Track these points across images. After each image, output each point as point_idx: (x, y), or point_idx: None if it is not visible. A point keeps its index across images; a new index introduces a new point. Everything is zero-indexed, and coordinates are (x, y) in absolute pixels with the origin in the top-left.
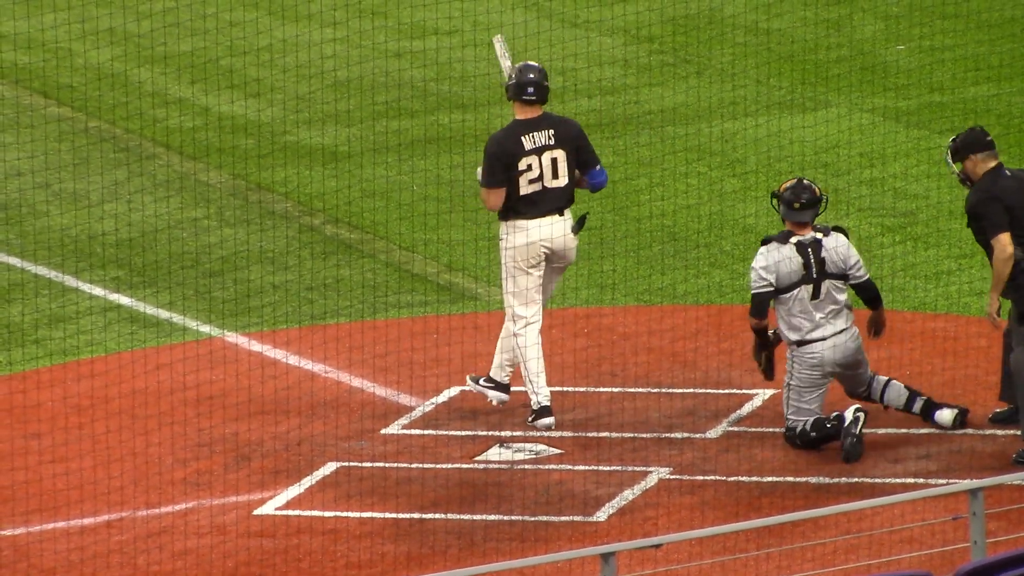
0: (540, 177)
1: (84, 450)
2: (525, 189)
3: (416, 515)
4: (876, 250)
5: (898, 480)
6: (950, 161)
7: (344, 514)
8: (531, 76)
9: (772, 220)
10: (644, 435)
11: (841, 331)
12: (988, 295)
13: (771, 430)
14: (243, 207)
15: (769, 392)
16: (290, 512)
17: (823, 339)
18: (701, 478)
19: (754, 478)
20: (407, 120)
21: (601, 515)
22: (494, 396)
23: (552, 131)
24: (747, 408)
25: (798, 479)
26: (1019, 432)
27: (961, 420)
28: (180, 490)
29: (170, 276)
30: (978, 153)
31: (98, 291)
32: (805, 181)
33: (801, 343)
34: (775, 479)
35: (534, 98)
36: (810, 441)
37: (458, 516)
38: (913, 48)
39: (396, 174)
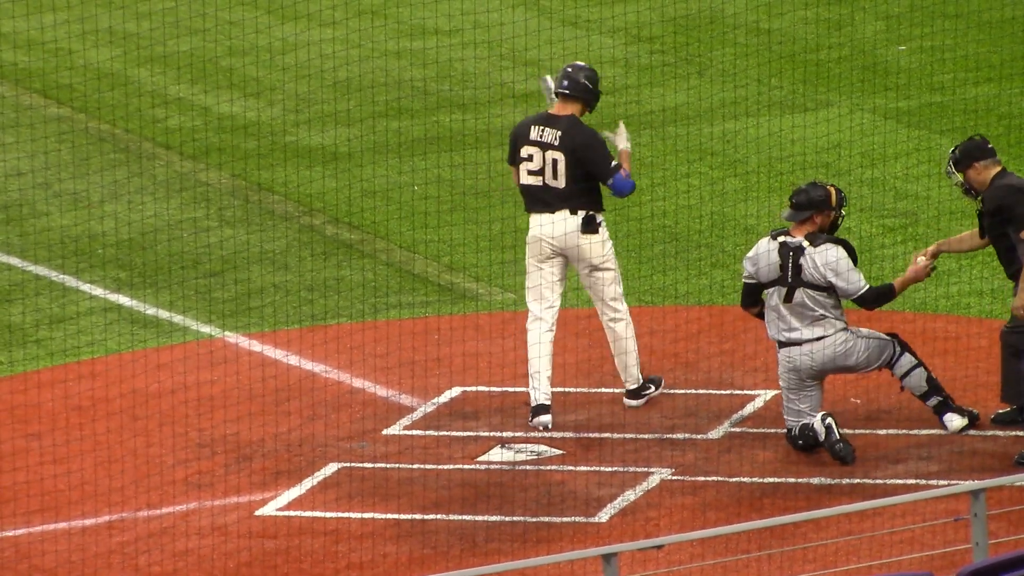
0: (541, 172)
1: (85, 450)
2: (525, 179)
3: (417, 516)
4: (877, 250)
5: (899, 481)
6: (952, 171)
7: (345, 515)
8: (568, 70)
9: (773, 220)
10: (645, 436)
11: (819, 339)
12: (1013, 295)
13: (772, 431)
14: (243, 207)
15: (771, 393)
16: (291, 513)
17: (799, 344)
18: (703, 479)
19: (756, 479)
20: (407, 120)
21: (603, 516)
22: (654, 394)
23: (560, 133)
24: (748, 409)
25: (799, 480)
26: (1021, 433)
27: (969, 428)
28: (181, 490)
29: (170, 276)
30: (981, 160)
31: (98, 291)
32: (813, 182)
33: (779, 344)
34: (776, 480)
35: (566, 91)
36: (800, 447)
37: (460, 517)
38: (914, 48)
39: (396, 174)
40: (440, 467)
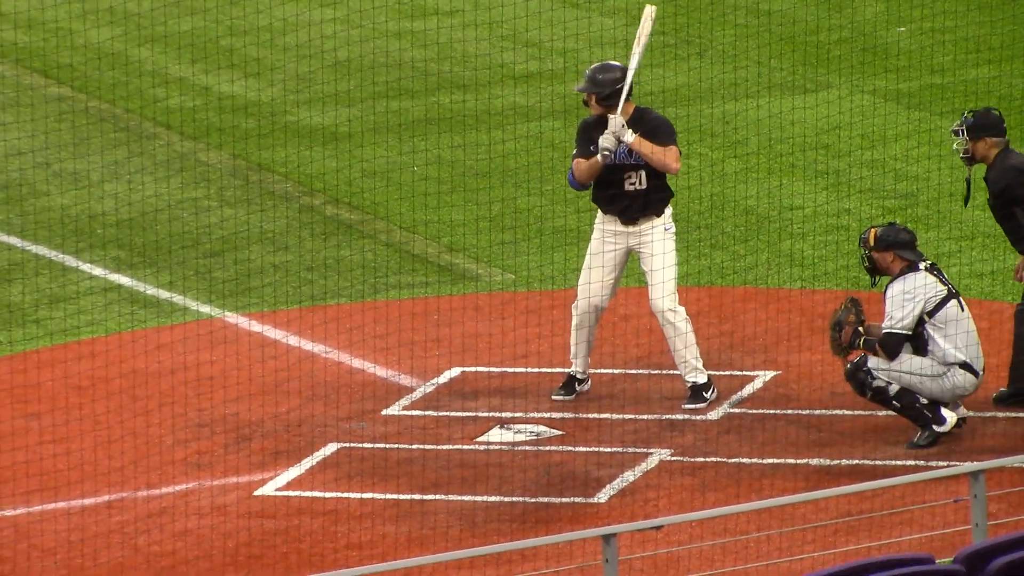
0: None
1: (84, 430)
2: None
3: (416, 496)
4: None
5: (899, 462)
6: (963, 135)
7: (344, 495)
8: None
9: (772, 201)
10: (645, 417)
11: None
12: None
13: (772, 412)
14: (243, 187)
15: (770, 374)
16: (290, 493)
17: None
18: (702, 460)
19: (755, 460)
20: (407, 100)
21: (602, 496)
22: (710, 396)
23: None
24: (748, 390)
25: (799, 461)
26: (1020, 414)
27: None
28: (180, 470)
29: (170, 256)
30: (993, 136)
31: (98, 271)
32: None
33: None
34: (776, 461)
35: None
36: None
37: (459, 497)
38: (914, 30)
39: (396, 154)
40: (439, 447)
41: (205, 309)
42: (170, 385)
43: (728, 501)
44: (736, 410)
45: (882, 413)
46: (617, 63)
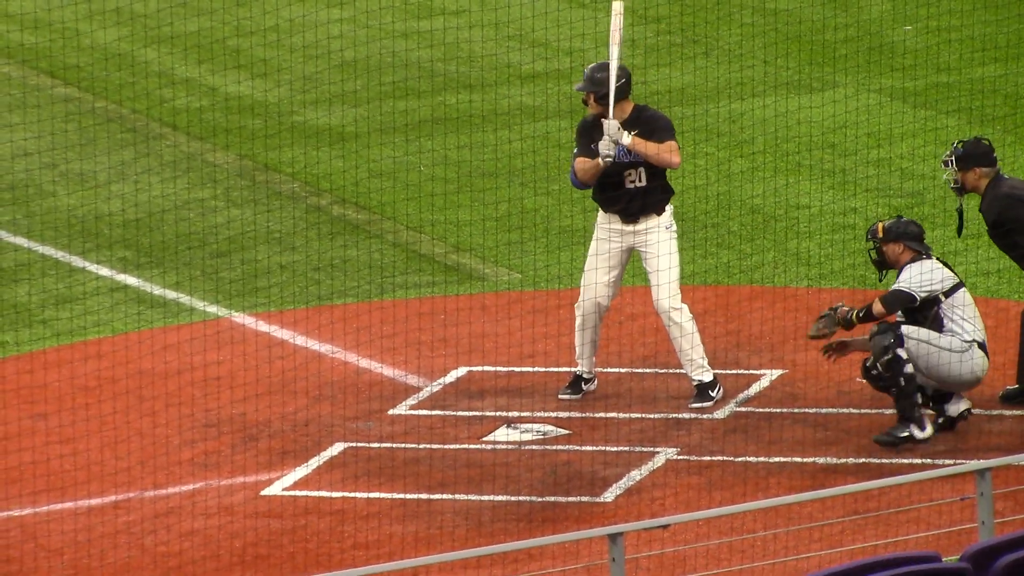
0: None
1: (91, 431)
2: None
3: (423, 496)
4: None
5: (905, 460)
6: (952, 165)
7: (351, 494)
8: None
9: (779, 200)
10: (651, 416)
11: None
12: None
13: (779, 410)
14: (250, 187)
15: (776, 372)
16: (297, 492)
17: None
18: (708, 458)
19: (761, 458)
20: (414, 100)
21: (608, 496)
22: (716, 395)
23: None
24: (754, 388)
25: (805, 459)
26: None
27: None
28: (187, 470)
29: (177, 256)
30: (983, 167)
31: (105, 271)
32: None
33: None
34: (782, 459)
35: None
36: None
37: (465, 497)
38: (920, 28)
39: (403, 154)
40: (446, 447)
41: (212, 309)
42: (177, 385)
43: (735, 500)
44: (743, 409)
45: (889, 412)
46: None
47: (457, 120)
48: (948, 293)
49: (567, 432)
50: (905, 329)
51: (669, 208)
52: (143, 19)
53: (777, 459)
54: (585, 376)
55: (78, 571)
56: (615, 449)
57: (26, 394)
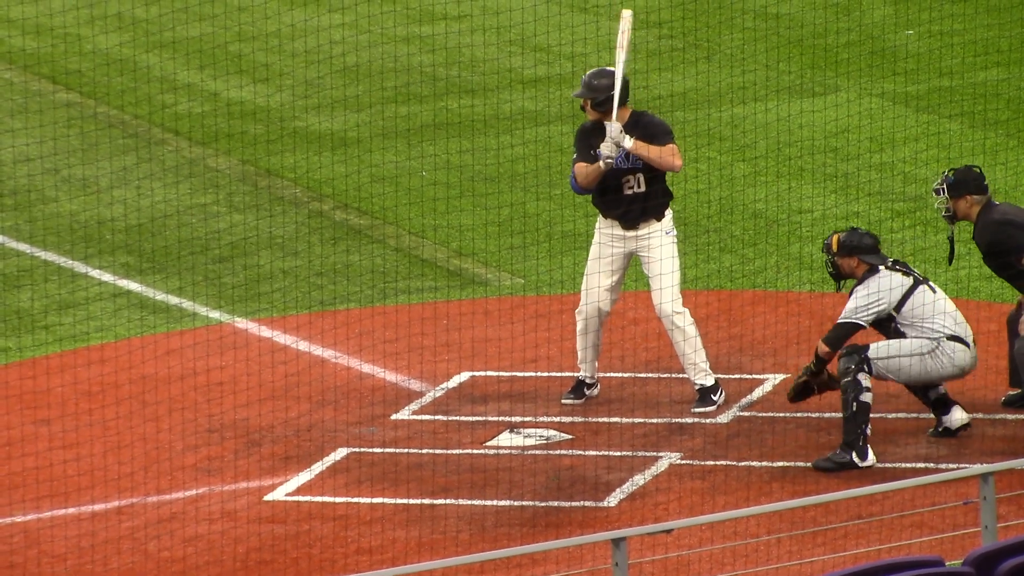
0: None
1: (94, 436)
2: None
3: (427, 501)
4: (886, 234)
5: (908, 465)
6: (944, 194)
7: (355, 500)
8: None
9: (781, 205)
10: (654, 420)
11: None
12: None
13: (781, 415)
14: (252, 193)
15: (779, 377)
16: (300, 498)
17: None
18: (711, 463)
19: (764, 463)
20: (416, 105)
21: (612, 500)
22: (718, 399)
23: None
24: (757, 393)
25: (808, 464)
26: None
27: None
28: (190, 476)
29: (179, 262)
30: (974, 195)
31: (107, 277)
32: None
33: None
34: (785, 464)
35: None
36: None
37: (469, 502)
38: (922, 33)
39: (405, 159)
40: (449, 452)
41: (215, 315)
42: (180, 390)
43: (738, 504)
44: (745, 413)
45: (891, 415)
46: (613, 69)
47: (459, 125)
48: (901, 304)
49: (570, 437)
50: (871, 351)
51: (669, 213)
52: (144, 24)
53: (780, 463)
54: (587, 381)
55: None
56: (618, 454)
57: (29, 400)
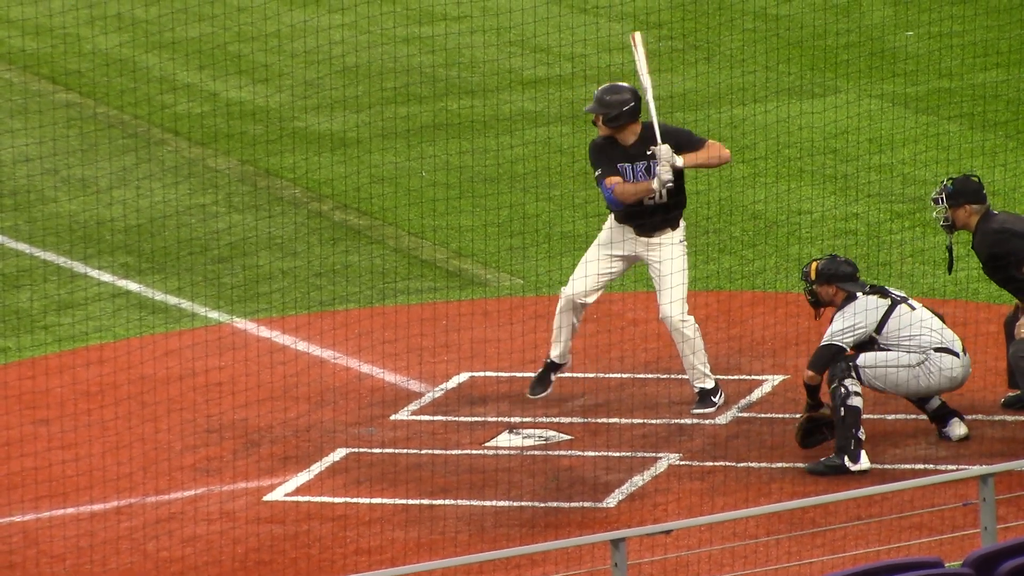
0: None
1: (93, 436)
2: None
3: (426, 501)
4: (885, 236)
5: (908, 466)
6: (943, 203)
7: (353, 500)
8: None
9: (780, 206)
10: (654, 421)
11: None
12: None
13: (780, 416)
14: (251, 193)
15: (779, 378)
16: (299, 498)
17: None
18: (711, 464)
19: (764, 464)
20: (416, 106)
21: (611, 501)
22: (718, 401)
23: None
24: (757, 394)
25: (808, 465)
26: None
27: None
28: (189, 476)
29: (179, 262)
30: (973, 204)
31: (107, 277)
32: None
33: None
34: (785, 465)
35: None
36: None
37: (468, 502)
38: (922, 34)
39: (405, 160)
40: (448, 452)
41: (214, 315)
42: (179, 391)
43: (737, 505)
44: (745, 414)
45: (891, 417)
46: (626, 84)
47: (458, 126)
48: (881, 325)
49: (569, 437)
50: (860, 360)
51: (683, 222)
52: (144, 25)
53: (779, 464)
54: (557, 361)
55: None
56: (617, 454)
57: (28, 400)
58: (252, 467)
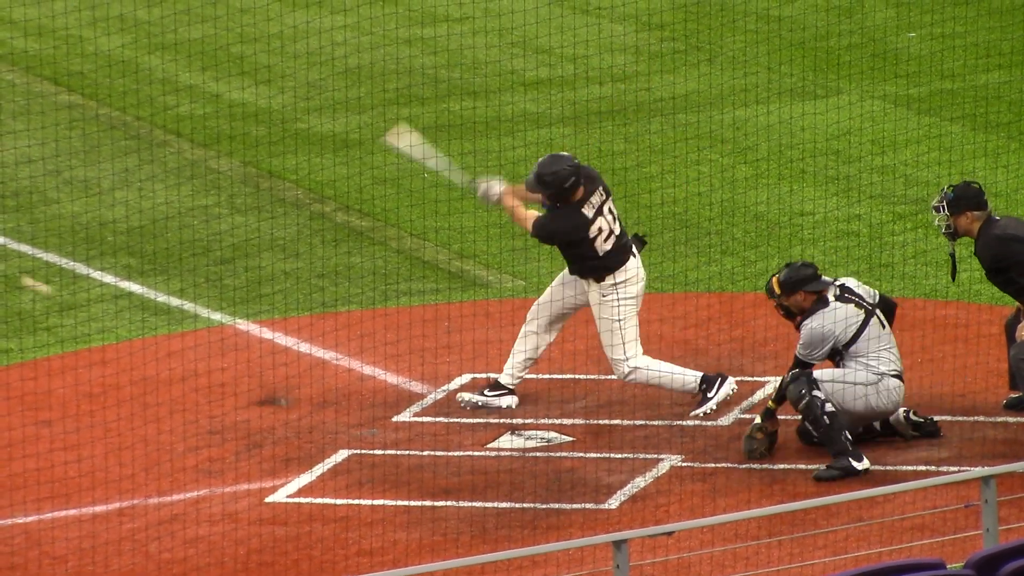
0: (611, 231)
1: (95, 437)
2: (603, 246)
3: (428, 502)
4: (887, 237)
5: (909, 467)
6: (944, 211)
7: (356, 501)
8: (568, 166)
9: (783, 207)
10: (655, 422)
11: None
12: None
13: (782, 417)
14: (254, 194)
15: (779, 379)
16: (302, 499)
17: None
18: (713, 465)
19: (765, 465)
20: (418, 107)
21: (613, 502)
22: (715, 393)
23: (600, 186)
24: (758, 395)
25: (809, 466)
26: None
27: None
28: (191, 477)
29: (181, 264)
30: (974, 211)
31: (109, 279)
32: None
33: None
34: (786, 466)
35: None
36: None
37: (470, 504)
38: (924, 35)
39: (407, 161)
40: (450, 454)
41: (216, 316)
42: (181, 392)
43: (739, 506)
44: (747, 416)
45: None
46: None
47: (461, 127)
48: (849, 344)
49: (571, 439)
50: (818, 374)
51: (611, 279)
52: (146, 26)
53: (781, 466)
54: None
55: None
56: (619, 456)
57: (30, 401)
58: (254, 468)
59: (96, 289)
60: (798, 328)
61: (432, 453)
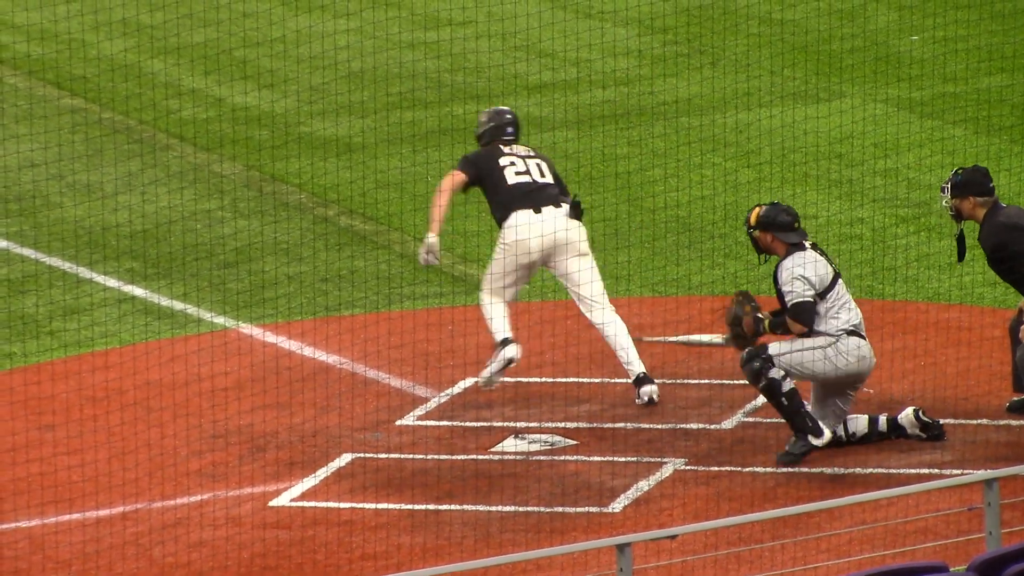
0: (528, 173)
1: (99, 442)
2: (513, 179)
3: (431, 506)
4: (890, 240)
5: (912, 471)
6: (948, 192)
7: (359, 505)
8: (508, 117)
9: None
10: (659, 426)
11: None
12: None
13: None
14: (257, 198)
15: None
16: (305, 503)
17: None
18: (716, 469)
19: (769, 469)
20: (421, 111)
21: (616, 506)
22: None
23: (530, 149)
24: (762, 398)
25: (813, 470)
26: None
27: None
28: (195, 481)
29: (184, 267)
30: (980, 197)
31: (112, 282)
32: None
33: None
34: (790, 470)
35: (512, 138)
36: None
37: (473, 507)
38: (927, 38)
39: (410, 165)
40: (454, 457)
41: (219, 320)
42: (185, 396)
43: (743, 510)
44: (750, 419)
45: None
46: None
47: (464, 131)
48: (825, 292)
49: (575, 442)
50: (771, 350)
51: (504, 232)
52: (150, 30)
53: (784, 469)
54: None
55: None
56: (623, 459)
57: (34, 405)
58: (258, 472)
59: (99, 293)
60: (760, 263)
61: (436, 457)
